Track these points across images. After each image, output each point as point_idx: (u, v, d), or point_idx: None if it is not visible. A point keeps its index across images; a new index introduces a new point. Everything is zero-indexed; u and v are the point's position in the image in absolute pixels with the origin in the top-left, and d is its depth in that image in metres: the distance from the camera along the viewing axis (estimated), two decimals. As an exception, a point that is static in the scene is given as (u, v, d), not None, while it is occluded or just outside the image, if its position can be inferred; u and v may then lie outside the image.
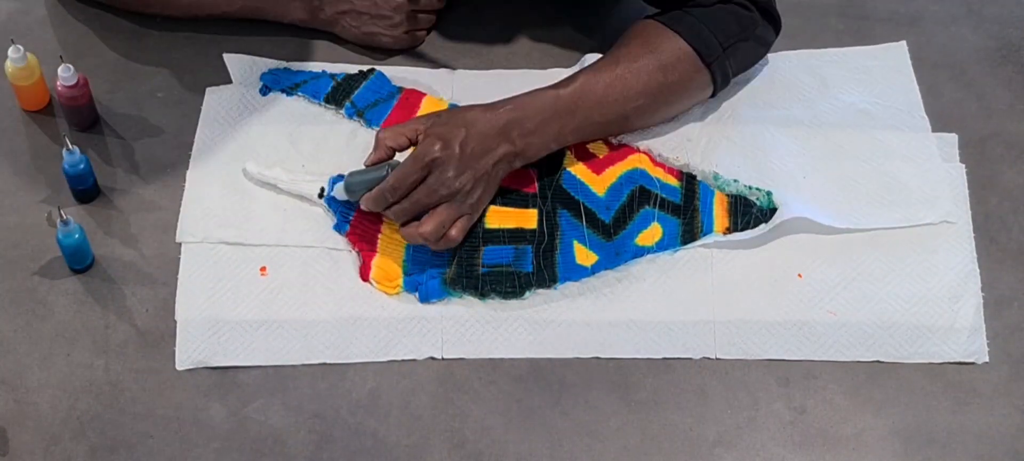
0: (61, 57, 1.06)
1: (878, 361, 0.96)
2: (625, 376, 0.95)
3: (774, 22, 1.10)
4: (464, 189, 0.95)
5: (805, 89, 1.13)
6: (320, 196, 1.02)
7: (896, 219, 1.03)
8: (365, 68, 1.14)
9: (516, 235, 1.01)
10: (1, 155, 1.07)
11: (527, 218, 1.02)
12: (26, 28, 1.17)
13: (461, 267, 0.99)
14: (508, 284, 0.98)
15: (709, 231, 1.02)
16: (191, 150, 1.08)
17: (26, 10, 1.19)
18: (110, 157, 1.07)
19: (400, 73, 1.14)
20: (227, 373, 0.94)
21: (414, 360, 0.96)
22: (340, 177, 1.01)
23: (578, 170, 1.05)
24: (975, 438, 0.92)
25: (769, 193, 1.03)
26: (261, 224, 1.02)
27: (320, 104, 1.11)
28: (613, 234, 1.01)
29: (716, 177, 1.05)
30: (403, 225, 0.97)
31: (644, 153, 1.07)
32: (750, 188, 1.04)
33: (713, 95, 1.08)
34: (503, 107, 0.98)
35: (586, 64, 1.06)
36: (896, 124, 1.10)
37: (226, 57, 1.15)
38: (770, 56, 1.14)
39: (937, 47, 1.18)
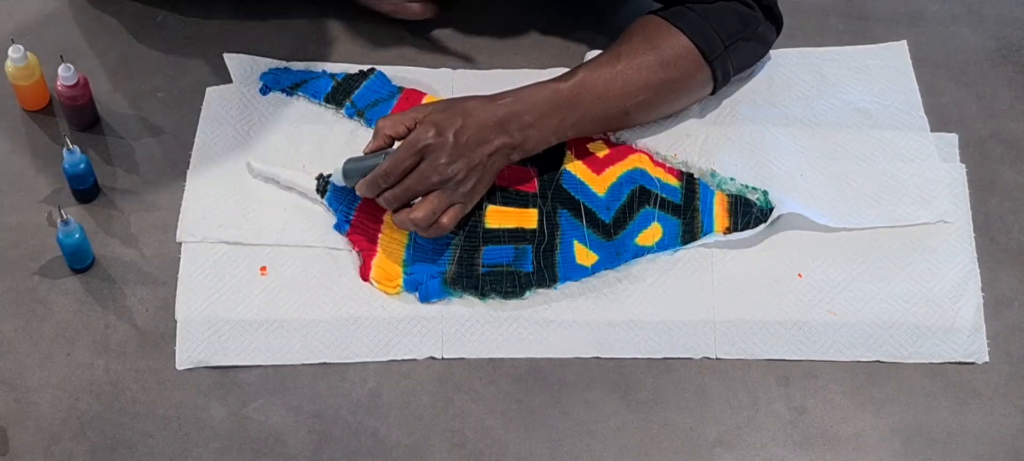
0: (61, 57, 1.06)
1: (878, 361, 0.96)
2: (625, 376, 0.95)
3: (776, 21, 1.10)
4: (456, 177, 0.95)
5: (804, 88, 1.13)
6: (318, 189, 1.02)
7: (893, 218, 1.03)
8: (365, 68, 1.14)
9: (516, 235, 1.01)
10: (1, 155, 1.07)
11: (527, 218, 1.02)
12: (26, 28, 1.17)
13: (461, 267, 0.99)
14: (508, 284, 0.98)
15: (709, 231, 1.02)
16: (191, 150, 1.08)
17: (26, 10, 1.19)
18: (110, 157, 1.07)
19: (400, 73, 1.14)
20: (227, 373, 0.94)
21: (414, 360, 0.96)
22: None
23: (578, 170, 1.05)
24: (975, 438, 0.92)
25: (766, 192, 1.03)
26: (261, 224, 1.02)
27: (320, 104, 1.11)
28: (613, 234, 1.01)
29: (713, 175, 1.05)
30: (395, 212, 0.97)
31: (644, 153, 1.07)
32: (747, 187, 1.04)
33: (713, 92, 1.08)
34: (502, 99, 0.98)
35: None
36: (895, 124, 1.10)
37: (226, 57, 1.15)
38: (769, 53, 1.14)
39: (937, 47, 1.18)
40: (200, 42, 1.16)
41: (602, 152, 1.07)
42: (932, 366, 0.96)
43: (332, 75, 1.14)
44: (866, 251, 1.01)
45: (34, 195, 1.04)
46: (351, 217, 1.02)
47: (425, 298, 0.98)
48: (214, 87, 1.13)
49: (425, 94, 1.12)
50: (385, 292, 0.99)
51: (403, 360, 0.95)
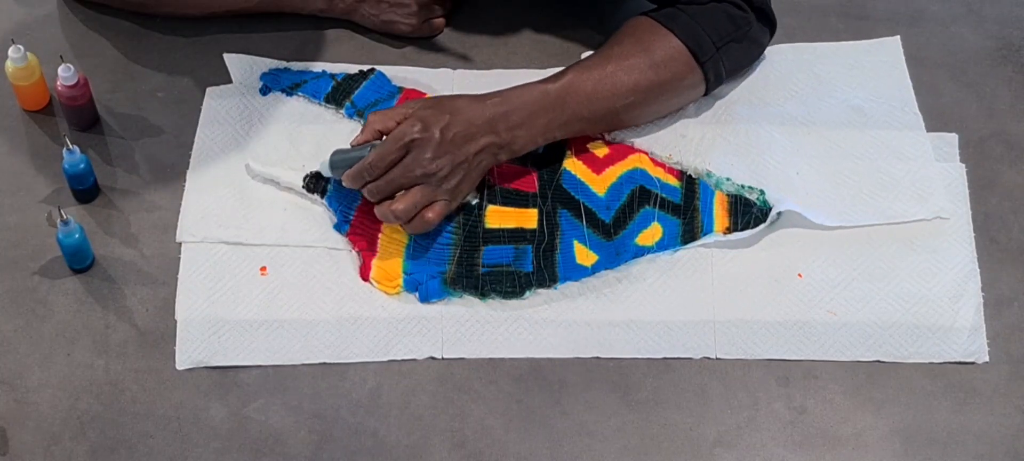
0: (61, 57, 1.06)
1: (878, 361, 0.96)
2: (625, 376, 0.95)
3: (769, 23, 1.10)
4: (440, 173, 0.95)
5: (798, 86, 1.13)
6: (306, 186, 1.03)
7: (889, 215, 1.03)
8: (365, 68, 1.14)
9: (516, 235, 1.01)
10: (1, 155, 1.07)
11: (527, 218, 1.02)
12: (26, 28, 1.17)
13: (461, 267, 0.99)
14: (508, 284, 0.98)
15: (709, 231, 1.02)
16: (191, 150, 1.08)
17: (26, 10, 1.19)
18: (110, 157, 1.07)
19: (400, 73, 1.14)
20: (227, 373, 0.94)
21: (414, 360, 0.96)
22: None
23: (578, 170, 1.05)
24: (975, 438, 0.92)
25: (763, 191, 1.03)
26: (261, 224, 1.02)
27: (320, 104, 1.11)
28: (613, 234, 1.01)
29: (709, 175, 1.05)
30: (378, 204, 0.97)
31: (644, 153, 1.07)
32: (744, 186, 1.04)
33: (705, 94, 1.08)
34: (491, 99, 0.99)
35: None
36: (889, 121, 1.10)
37: (226, 57, 1.15)
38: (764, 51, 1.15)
39: (937, 47, 1.18)
40: (200, 42, 1.16)
41: (602, 152, 1.07)
42: (932, 366, 0.96)
43: (332, 75, 1.14)
44: (866, 251, 1.01)
45: (34, 195, 1.04)
46: (351, 217, 1.02)
47: (425, 298, 0.98)
48: (214, 87, 1.13)
49: (425, 94, 1.12)
50: (385, 292, 0.99)
51: (403, 360, 0.95)
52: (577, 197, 1.03)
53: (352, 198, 1.02)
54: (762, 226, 1.01)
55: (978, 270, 1.01)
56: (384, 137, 0.98)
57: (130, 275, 0.99)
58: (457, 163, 0.96)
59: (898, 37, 1.18)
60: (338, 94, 1.12)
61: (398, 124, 0.97)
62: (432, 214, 0.96)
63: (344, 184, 0.99)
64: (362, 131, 0.99)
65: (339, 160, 0.99)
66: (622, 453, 0.91)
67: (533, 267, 0.99)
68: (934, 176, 1.06)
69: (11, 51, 1.05)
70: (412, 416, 0.92)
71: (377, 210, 0.97)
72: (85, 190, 1.03)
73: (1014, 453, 0.91)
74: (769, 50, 1.14)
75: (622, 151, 1.07)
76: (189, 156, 1.07)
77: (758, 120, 1.10)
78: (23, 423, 0.91)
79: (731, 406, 0.93)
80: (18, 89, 1.08)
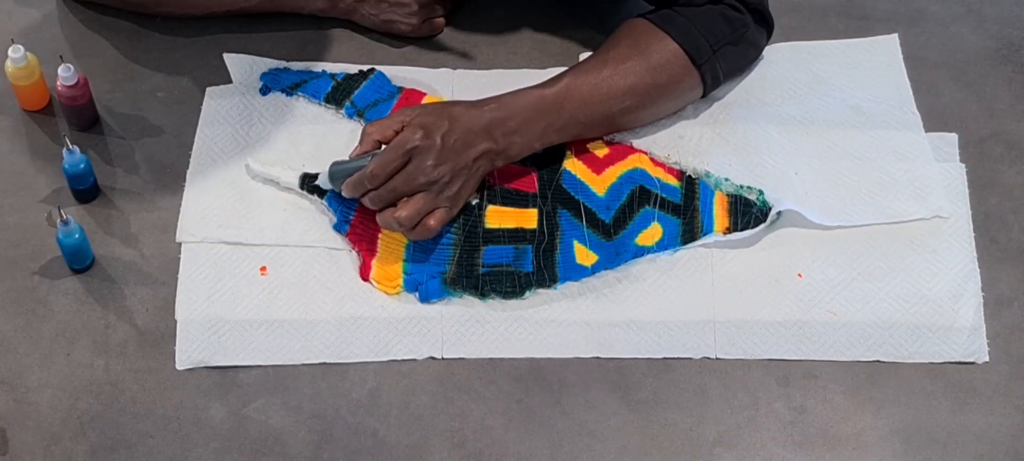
0: (61, 57, 1.06)
1: (878, 361, 0.96)
2: (625, 376, 0.95)
3: (766, 24, 1.10)
4: (442, 180, 0.96)
5: (796, 85, 1.13)
6: (303, 185, 1.03)
7: (888, 215, 1.03)
8: (365, 68, 1.14)
9: (516, 235, 1.01)
10: (1, 155, 1.07)
11: (527, 218, 1.02)
12: (26, 28, 1.17)
13: (461, 267, 0.99)
14: (508, 284, 0.98)
15: (709, 231, 1.02)
16: (191, 150, 1.08)
17: (26, 10, 1.19)
18: (110, 157, 1.07)
19: (400, 73, 1.14)
20: (227, 373, 0.94)
21: (414, 360, 0.96)
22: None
23: (578, 170, 1.05)
24: (975, 438, 0.92)
25: (762, 191, 1.03)
26: (261, 224, 1.02)
27: (320, 104, 1.11)
28: (613, 234, 1.01)
29: (708, 175, 1.05)
30: (380, 212, 0.97)
31: (644, 153, 1.07)
32: (743, 186, 1.04)
33: (703, 96, 1.08)
34: (487, 105, 0.99)
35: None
36: (887, 120, 1.10)
37: (226, 57, 1.15)
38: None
39: (937, 47, 1.18)
40: (200, 42, 1.16)
41: (602, 152, 1.07)
42: (932, 366, 0.96)
43: (332, 75, 1.14)
44: (866, 251, 1.01)
45: (34, 195, 1.04)
46: (351, 217, 1.02)
47: (425, 298, 0.98)
48: (214, 87, 1.13)
49: (425, 94, 1.12)
50: (385, 292, 0.99)
51: (403, 360, 0.95)
52: (577, 197, 1.03)
53: (352, 198, 1.02)
54: (762, 226, 1.01)
55: (978, 270, 1.01)
56: (382, 146, 0.98)
57: (130, 275, 0.99)
58: (458, 169, 0.96)
59: (895, 36, 1.18)
60: (338, 94, 1.12)
61: (396, 133, 0.97)
62: (433, 221, 0.97)
63: (344, 194, 0.99)
64: (360, 142, 0.99)
65: (338, 171, 0.99)
66: (622, 453, 0.91)
67: (533, 267, 0.99)
68: (933, 175, 1.06)
69: (11, 51, 1.05)
70: (412, 416, 0.92)
71: (380, 218, 0.97)
72: (85, 190, 1.03)
73: (1014, 453, 0.91)
74: (767, 49, 1.14)
75: (622, 151, 1.07)
76: (189, 156, 1.07)
77: (757, 120, 1.10)
78: (23, 423, 0.91)
79: (731, 406, 0.93)
80: (18, 89, 1.08)
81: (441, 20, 1.18)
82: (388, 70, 1.14)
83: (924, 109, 1.12)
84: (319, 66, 1.15)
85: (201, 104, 1.11)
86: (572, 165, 1.05)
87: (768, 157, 1.06)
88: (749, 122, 1.09)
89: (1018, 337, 0.98)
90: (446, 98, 1.12)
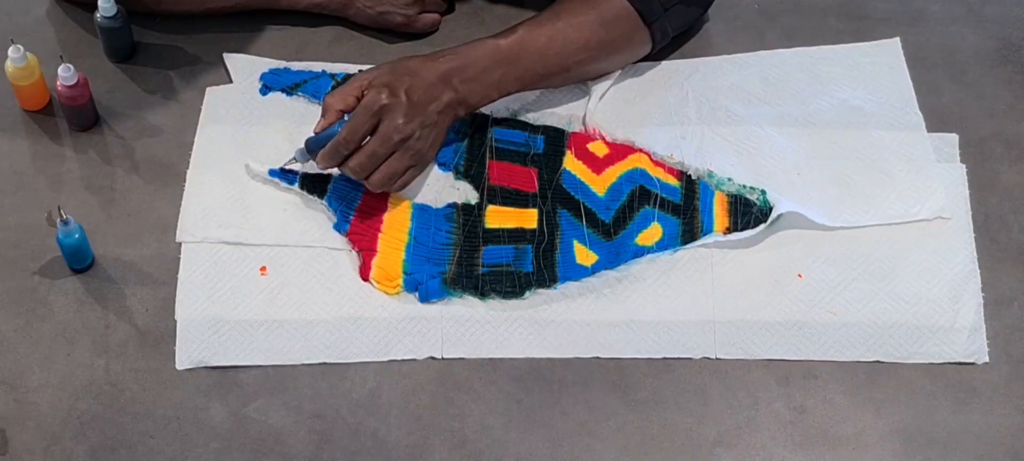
0: (61, 57, 1.06)
1: (878, 361, 0.96)
2: (625, 376, 0.95)
3: None
4: (413, 135, 0.97)
5: (799, 87, 1.13)
6: (303, 185, 1.03)
7: (890, 216, 1.03)
8: (365, 68, 1.14)
9: (516, 235, 1.01)
10: (1, 155, 1.07)
11: (527, 218, 1.02)
12: (26, 28, 1.17)
13: (461, 267, 0.99)
14: (508, 284, 0.98)
15: (709, 231, 1.02)
16: (191, 150, 1.08)
17: (26, 10, 1.19)
18: (110, 157, 1.07)
19: (400, 73, 1.14)
20: (227, 373, 0.94)
21: (414, 360, 0.96)
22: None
23: (578, 170, 1.05)
24: (975, 438, 0.92)
25: (764, 191, 1.03)
26: (261, 224, 1.02)
27: (320, 104, 1.11)
28: (613, 234, 1.01)
29: (711, 175, 1.05)
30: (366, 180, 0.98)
31: (644, 152, 1.07)
32: (745, 187, 1.04)
33: (651, 53, 1.10)
34: (443, 56, 1.01)
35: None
36: (890, 121, 1.10)
37: (226, 57, 1.15)
38: (764, 53, 1.16)
39: (937, 47, 1.18)
40: (200, 42, 1.16)
41: (602, 152, 1.07)
42: (932, 366, 0.96)
43: (332, 75, 1.14)
44: (866, 251, 1.01)
45: (34, 195, 1.04)
46: (351, 217, 1.02)
47: (425, 298, 0.98)
48: (214, 87, 1.13)
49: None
50: (385, 292, 0.99)
51: (403, 360, 0.95)
52: (577, 197, 1.03)
53: (352, 198, 1.02)
54: (762, 226, 1.01)
55: (978, 270, 1.01)
56: (345, 115, 0.99)
57: (130, 275, 0.99)
58: (426, 123, 0.98)
59: (898, 39, 1.18)
60: (338, 94, 1.12)
61: (358, 98, 0.98)
62: (405, 180, 1.00)
63: (319, 165, 0.99)
64: (323, 115, 0.99)
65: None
66: (622, 453, 0.91)
67: (533, 267, 0.99)
68: (934, 176, 1.06)
69: (11, 51, 1.05)
70: (412, 416, 0.92)
71: (369, 182, 0.98)
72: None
73: (1014, 453, 0.91)
74: (769, 54, 1.15)
75: (622, 151, 1.07)
76: (189, 156, 1.07)
77: (758, 121, 1.10)
78: (23, 423, 0.91)
79: (731, 406, 0.93)
80: (18, 89, 1.08)
81: (436, 15, 1.18)
82: (388, 70, 1.14)
83: (924, 109, 1.12)
84: (319, 66, 1.15)
85: (201, 104, 1.11)
86: (572, 165, 1.05)
87: (770, 157, 1.06)
88: (751, 123, 1.09)
89: (1018, 337, 0.98)
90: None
